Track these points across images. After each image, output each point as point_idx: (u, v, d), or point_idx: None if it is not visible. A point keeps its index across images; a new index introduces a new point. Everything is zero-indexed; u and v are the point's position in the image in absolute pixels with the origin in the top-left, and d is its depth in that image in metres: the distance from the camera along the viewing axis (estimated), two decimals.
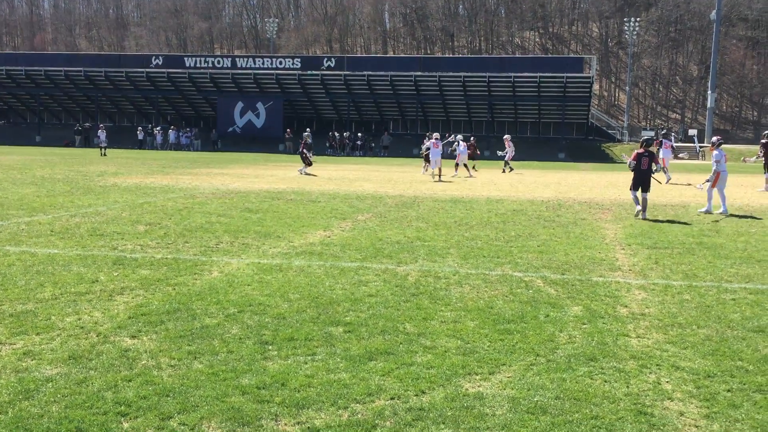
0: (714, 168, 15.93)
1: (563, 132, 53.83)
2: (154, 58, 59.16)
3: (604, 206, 16.74)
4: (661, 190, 19.99)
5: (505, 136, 33.42)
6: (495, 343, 5.80)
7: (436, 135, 27.59)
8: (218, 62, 57.68)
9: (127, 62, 59.16)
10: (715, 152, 16.25)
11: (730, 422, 4.30)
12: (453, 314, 6.67)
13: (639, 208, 14.72)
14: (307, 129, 30.00)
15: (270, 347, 5.58)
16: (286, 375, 4.95)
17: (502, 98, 53.70)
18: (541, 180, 26.17)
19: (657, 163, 15.51)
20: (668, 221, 14.05)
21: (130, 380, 4.81)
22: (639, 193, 14.74)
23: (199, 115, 61.51)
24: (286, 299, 7.11)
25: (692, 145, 55.80)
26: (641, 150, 15.05)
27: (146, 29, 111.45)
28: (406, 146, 54.33)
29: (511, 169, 31.77)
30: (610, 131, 61.20)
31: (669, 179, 25.18)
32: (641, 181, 14.69)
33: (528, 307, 6.99)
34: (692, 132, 58.26)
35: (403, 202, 16.89)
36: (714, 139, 17.11)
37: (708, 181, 16.02)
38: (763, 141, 23.72)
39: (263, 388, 4.70)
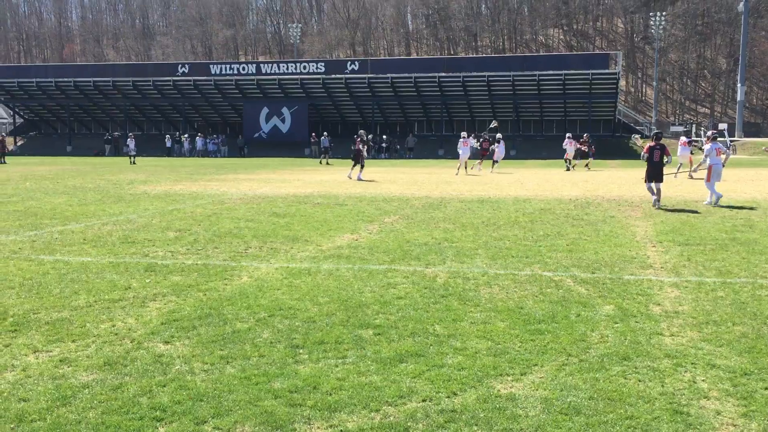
0: (707, 162, 16.80)
1: (590, 129, 53.28)
2: (180, 66, 59.89)
3: (634, 203, 16.55)
4: (693, 186, 19.70)
5: (498, 135, 33.38)
6: (526, 343, 5.77)
7: (463, 134, 29.89)
8: (243, 69, 58.21)
9: (153, 71, 59.94)
10: (707, 146, 17.13)
11: None
12: (483, 315, 6.65)
13: (654, 197, 15.69)
14: (361, 130, 28.46)
15: (301, 351, 5.61)
16: (317, 378, 4.98)
17: (528, 97, 53.43)
18: (569, 178, 25.96)
19: (668, 155, 16.31)
20: (701, 216, 13.85)
21: (164, 385, 4.86)
22: (653, 184, 15.73)
23: (226, 121, 62.10)
24: (316, 303, 7.14)
25: (723, 139, 54.90)
26: (653, 143, 16.06)
27: (172, 38, 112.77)
28: (431, 147, 54.34)
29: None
30: (637, 127, 60.48)
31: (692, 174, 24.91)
32: (654, 173, 15.73)
33: (558, 306, 6.93)
34: (722, 126, 57.36)
35: (430, 203, 16.86)
36: (709, 133, 17.88)
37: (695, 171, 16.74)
38: None
39: (295, 392, 4.73)
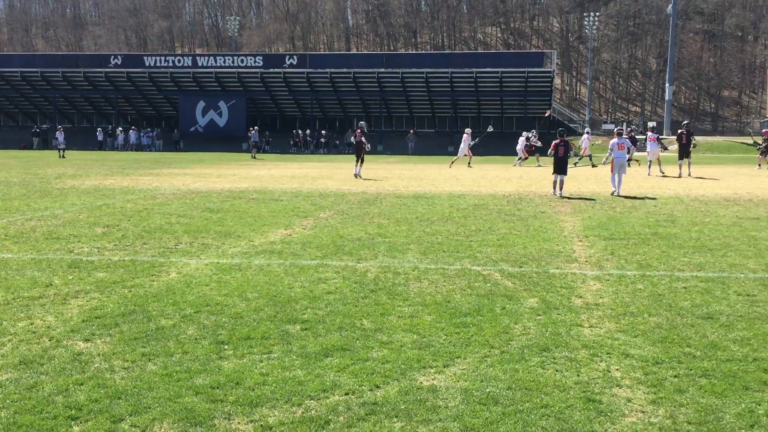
0: (608, 155, 18.99)
1: (526, 126, 54.29)
2: (112, 57, 58.30)
3: (564, 199, 16.96)
4: (634, 182, 20.22)
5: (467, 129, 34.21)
6: (451, 336, 5.87)
7: (468, 130, 33.10)
8: (179, 61, 57.03)
9: (84, 62, 58.14)
10: (612, 141, 19.06)
11: (675, 407, 4.41)
12: (410, 309, 6.72)
13: (554, 190, 17.88)
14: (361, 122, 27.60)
15: (226, 347, 5.56)
16: (241, 374, 4.95)
17: (465, 94, 54.05)
18: (504, 174, 26.41)
19: (572, 150, 18.90)
20: (626, 212, 14.30)
21: (81, 384, 4.76)
22: (558, 176, 17.84)
23: (161, 114, 60.76)
24: (244, 298, 7.09)
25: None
26: (558, 140, 18.26)
27: (105, 28, 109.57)
28: (370, 143, 54.36)
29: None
30: (571, 125, 61.91)
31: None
32: (559, 166, 17.94)
33: (485, 300, 7.07)
34: (651, 124, 59.25)
35: (366, 199, 16.91)
36: (616, 129, 20.66)
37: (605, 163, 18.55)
38: (680, 131, 25.49)
39: (217, 388, 4.69)
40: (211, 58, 57.95)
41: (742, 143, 54.91)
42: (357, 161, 24.51)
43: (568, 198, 17.24)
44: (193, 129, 56.37)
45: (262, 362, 5.21)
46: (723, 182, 22.10)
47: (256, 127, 45.54)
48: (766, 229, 11.81)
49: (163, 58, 57.44)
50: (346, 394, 4.63)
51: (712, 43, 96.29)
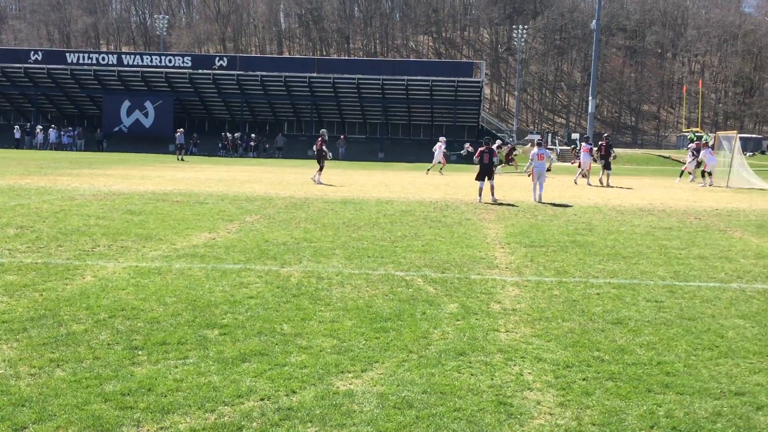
0: (528, 164, 20.05)
1: (455, 134, 55.11)
2: (32, 53, 56.11)
3: (489, 207, 17.29)
4: (556, 191, 20.83)
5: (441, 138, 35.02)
6: (370, 341, 5.90)
7: (442, 138, 34.03)
8: (103, 59, 55.40)
9: (3, 57, 55.75)
10: (532, 151, 20.12)
11: (581, 409, 4.56)
12: (332, 314, 6.72)
13: (479, 198, 18.41)
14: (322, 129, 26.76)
15: (140, 352, 5.44)
16: (153, 380, 4.85)
17: (396, 101, 54.44)
18: (432, 182, 26.72)
19: (496, 156, 19.65)
20: (547, 220, 14.69)
21: None
22: (485, 182, 18.49)
23: (83, 113, 58.81)
24: (162, 303, 6.94)
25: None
26: (483, 148, 18.92)
27: (26, 23, 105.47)
28: (301, 147, 54.09)
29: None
30: (499, 134, 63.19)
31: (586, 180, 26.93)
32: (485, 172, 18.58)
33: (406, 305, 7.14)
34: (575, 136, 61.17)
35: (294, 203, 16.82)
36: (535, 139, 22.39)
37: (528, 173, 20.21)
38: (600, 143, 27.15)
39: (128, 395, 4.58)
40: (138, 56, 56.54)
41: (660, 156, 57.28)
42: (319, 169, 24.18)
43: (500, 204, 17.91)
44: (117, 129, 54.80)
45: (177, 368, 5.12)
46: (639, 193, 22.99)
47: (182, 129, 44.68)
48: (677, 239, 12.35)
49: (86, 56, 55.66)
50: (262, 399, 4.60)
51: (633, 59, 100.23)
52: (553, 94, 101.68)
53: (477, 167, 19.10)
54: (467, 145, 36.87)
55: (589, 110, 55.44)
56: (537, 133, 68.23)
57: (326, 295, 7.47)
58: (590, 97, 55.62)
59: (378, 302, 7.23)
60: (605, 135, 29.60)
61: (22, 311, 6.45)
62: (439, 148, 32.44)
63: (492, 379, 5.06)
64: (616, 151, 30.92)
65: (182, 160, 40.23)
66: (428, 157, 50.22)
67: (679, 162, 43.79)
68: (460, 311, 6.95)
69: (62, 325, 6.06)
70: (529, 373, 5.21)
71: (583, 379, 5.09)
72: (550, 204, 18.26)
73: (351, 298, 7.36)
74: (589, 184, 26.55)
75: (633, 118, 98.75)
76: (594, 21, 55.53)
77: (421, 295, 7.58)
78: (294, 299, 7.26)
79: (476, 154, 18.98)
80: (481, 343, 5.91)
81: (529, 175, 21.40)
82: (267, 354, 5.48)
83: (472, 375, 5.13)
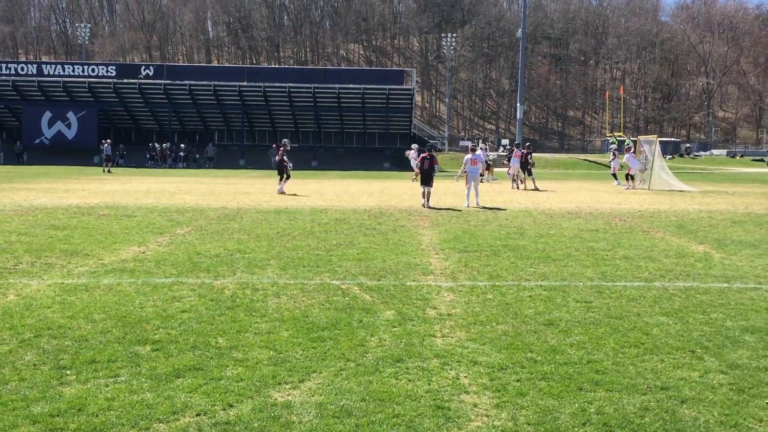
0: (462, 169, 20.45)
1: (388, 142, 55.52)
2: None
3: (423, 213, 17.47)
4: (488, 196, 21.22)
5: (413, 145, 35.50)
6: (307, 351, 5.88)
7: (414, 146, 33.96)
8: (22, 69, 53.47)
9: None
10: (466, 156, 20.57)
11: (517, 409, 4.66)
12: (268, 325, 6.66)
13: (424, 200, 19.01)
14: (284, 139, 25.84)
15: (68, 372, 5.26)
16: (84, 400, 4.70)
17: (328, 109, 54.45)
18: (366, 189, 26.81)
19: (437, 164, 20.32)
20: (480, 225, 14.94)
21: None
22: (426, 188, 19.07)
23: (2, 125, 56.56)
24: (90, 320, 6.74)
25: (504, 153, 59.71)
26: (425, 154, 19.66)
27: None
28: (232, 157, 53.47)
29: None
30: (431, 141, 63.92)
31: (516, 186, 28.05)
32: (426, 178, 19.21)
33: (343, 314, 7.13)
34: (504, 141, 62.44)
35: (226, 214, 16.59)
36: (470, 145, 23.20)
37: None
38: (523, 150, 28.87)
39: (57, 416, 4.43)
40: (59, 66, 54.81)
41: (585, 160, 59.03)
42: (280, 179, 23.89)
43: (436, 209, 18.46)
44: (38, 141, 52.93)
45: (108, 386, 4.98)
46: (567, 196, 23.64)
47: (108, 140, 43.50)
48: (603, 240, 12.75)
49: (4, 66, 53.61)
50: (198, 414, 4.52)
51: (558, 67, 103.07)
52: (483, 101, 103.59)
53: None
54: (410, 152, 36.78)
55: (518, 116, 56.73)
56: (468, 139, 69.30)
57: (262, 307, 7.40)
58: (518, 104, 56.92)
59: (314, 312, 7.20)
60: (527, 143, 31.39)
61: None
62: (412, 156, 32.86)
63: (429, 384, 5.11)
64: (535, 156, 33.47)
65: (109, 172, 39.18)
66: (361, 165, 50.45)
67: (605, 166, 45.24)
68: (396, 318, 6.99)
69: None
70: (465, 376, 5.29)
71: (518, 380, 5.20)
72: (483, 208, 18.69)
73: (287, 309, 7.31)
74: (516, 188, 27.42)
75: (560, 124, 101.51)
76: (520, 30, 56.88)
77: (357, 303, 7.59)
78: (229, 312, 7.16)
79: (418, 160, 19.92)
80: (418, 348, 5.97)
81: (457, 180, 22.39)
82: (202, 368, 5.39)
83: (409, 381, 5.17)
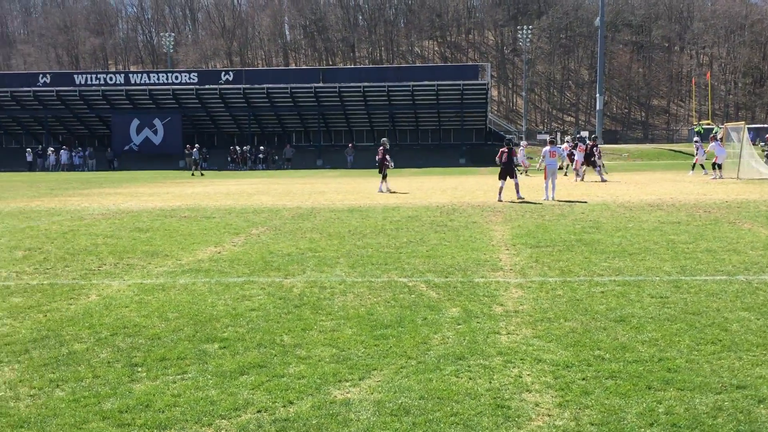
0: (540, 162, 20.55)
1: (463, 138, 55.11)
2: (41, 76, 56.69)
3: (496, 208, 17.24)
4: (565, 189, 20.77)
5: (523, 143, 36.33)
6: (369, 348, 5.88)
7: (524, 143, 36.05)
8: (110, 79, 55.86)
9: (11, 81, 56.40)
10: (544, 149, 20.44)
11: (580, 409, 4.52)
12: (332, 323, 6.72)
13: (499, 197, 18.98)
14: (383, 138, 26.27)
15: (139, 369, 5.45)
16: (151, 396, 4.86)
17: (402, 107, 54.48)
18: (440, 185, 26.69)
19: (516, 156, 20.28)
20: (554, 220, 14.62)
21: None
22: (507, 181, 19.10)
23: (93, 133, 59.35)
24: (164, 319, 6.97)
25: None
26: (504, 149, 19.29)
27: (34, 47, 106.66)
28: (309, 158, 54.28)
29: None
30: (508, 135, 63.06)
31: (579, 179, 27.27)
32: (507, 172, 19.11)
33: (407, 311, 7.11)
34: (584, 134, 60.91)
35: (300, 214, 16.85)
36: (547, 138, 23.67)
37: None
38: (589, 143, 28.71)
39: (126, 412, 4.60)
40: (145, 75, 56.99)
41: (671, 150, 56.91)
42: (383, 178, 24.10)
43: (525, 202, 18.54)
44: (127, 147, 55.24)
45: (176, 383, 5.13)
46: (648, 188, 22.84)
47: (197, 145, 44.89)
48: (685, 233, 12.24)
49: (94, 76, 56.17)
50: (259, 411, 4.59)
51: (640, 54, 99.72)
52: (561, 93, 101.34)
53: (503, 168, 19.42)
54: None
55: (597, 107, 55.26)
56: (546, 132, 67.99)
57: (328, 305, 7.46)
58: (597, 95, 55.44)
59: (379, 309, 7.21)
60: (593, 136, 31.15)
61: (25, 333, 6.50)
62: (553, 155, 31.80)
63: (490, 382, 5.03)
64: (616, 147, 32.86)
65: (202, 174, 40.46)
66: (436, 161, 50.26)
67: (691, 155, 43.44)
68: (461, 315, 6.92)
69: (64, 345, 6.09)
70: (528, 374, 5.17)
71: (583, 379, 5.05)
72: (560, 201, 18.41)
73: (352, 307, 7.35)
74: (581, 181, 27.24)
75: (643, 114, 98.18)
76: (598, 18, 55.37)
77: (423, 301, 7.56)
78: (296, 310, 7.26)
79: (498, 155, 19.35)
80: (481, 346, 5.88)
81: (523, 173, 22.37)
82: (265, 366, 5.48)
83: (470, 379, 5.10)
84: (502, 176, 19.19)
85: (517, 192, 19.22)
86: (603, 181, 26.61)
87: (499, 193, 19.12)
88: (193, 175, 40.37)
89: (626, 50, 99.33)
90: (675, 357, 5.50)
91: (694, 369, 5.21)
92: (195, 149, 43.10)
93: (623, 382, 4.98)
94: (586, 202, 18.17)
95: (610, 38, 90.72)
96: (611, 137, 72.75)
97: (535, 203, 18.34)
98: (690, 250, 10.42)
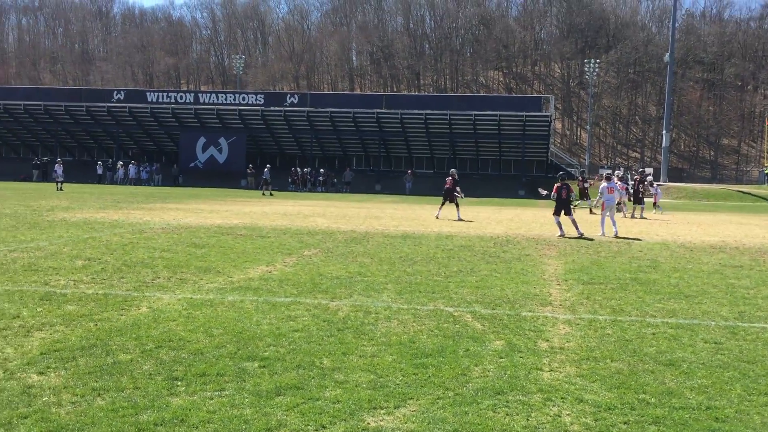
0: (598, 198, 20.14)
1: (523, 169, 54.63)
2: (115, 92, 58.96)
3: (551, 242, 16.97)
4: (624, 227, 20.28)
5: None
6: (408, 377, 5.83)
7: (611, 172, 32.76)
8: (181, 97, 57.64)
9: (88, 96, 58.79)
10: (602, 185, 20.46)
11: None
12: (373, 348, 6.69)
13: (560, 233, 18.49)
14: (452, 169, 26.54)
15: (179, 383, 5.53)
16: (187, 411, 4.91)
17: (464, 135, 54.44)
18: (496, 216, 26.46)
19: (572, 192, 19.67)
20: (610, 257, 14.29)
21: (25, 417, 4.72)
22: (562, 217, 18.82)
23: (161, 149, 61.22)
24: (209, 334, 7.06)
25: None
26: (560, 184, 19.11)
27: (112, 64, 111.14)
28: (368, 182, 54.63)
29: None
30: (569, 168, 62.23)
31: (624, 214, 26.95)
32: (563, 207, 18.83)
33: (450, 341, 7.03)
34: (648, 171, 59.63)
35: (354, 237, 16.93)
36: (605, 173, 24.27)
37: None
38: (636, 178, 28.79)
39: (161, 425, 4.66)
40: (213, 95, 58.61)
41: (739, 191, 55.11)
42: (441, 205, 24.90)
43: (585, 238, 18.05)
44: (192, 164, 56.72)
45: (212, 399, 5.18)
46: (712, 229, 22.12)
47: (268, 165, 45.65)
48: (747, 277, 11.79)
49: (165, 94, 58.07)
50: None
51: (711, 92, 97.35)
52: (627, 128, 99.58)
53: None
54: (541, 189, 34.27)
55: (663, 144, 54.07)
56: (608, 167, 66.80)
57: (371, 330, 7.44)
58: (663, 131, 54.28)
59: (422, 338, 7.15)
60: (641, 170, 30.95)
61: (74, 340, 6.68)
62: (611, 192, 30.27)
63: (527, 419, 4.91)
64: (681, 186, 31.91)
65: (271, 194, 41.10)
66: (495, 192, 49.89)
67: (761, 198, 42.00)
68: (504, 348, 6.79)
69: (109, 355, 6.23)
70: (568, 414, 5.03)
71: (625, 423, 4.88)
72: (618, 238, 18.02)
73: (395, 333, 7.31)
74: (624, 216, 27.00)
75: (712, 153, 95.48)
76: (668, 54, 54.40)
77: (467, 332, 7.46)
78: (338, 333, 7.26)
79: (553, 190, 19.08)
80: (522, 382, 5.75)
81: (591, 210, 22.05)
82: (302, 388, 5.48)
83: (507, 415, 4.99)
84: (557, 212, 18.94)
85: (577, 228, 18.61)
86: (641, 217, 26.78)
87: (560, 228, 18.75)
88: (263, 195, 41.00)
89: (696, 87, 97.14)
90: (724, 406, 5.26)
91: (743, 420, 4.98)
92: (267, 169, 43.85)
93: (667, 429, 4.79)
94: (641, 241, 17.78)
95: (680, 75, 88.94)
96: (677, 176, 70.98)
97: (591, 239, 17.97)
98: (750, 296, 10.02)
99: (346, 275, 11.11)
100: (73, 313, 7.87)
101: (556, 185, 19.23)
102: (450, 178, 25.00)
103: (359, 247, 14.89)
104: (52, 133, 59.82)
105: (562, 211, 18.83)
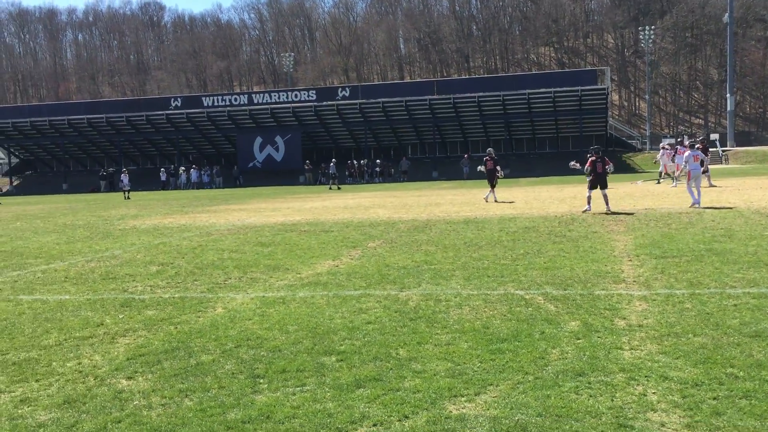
0: (686, 167, 19.09)
1: (582, 145, 53.52)
2: (173, 100, 60.40)
3: (618, 217, 16.61)
4: (678, 198, 19.84)
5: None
6: (485, 363, 5.81)
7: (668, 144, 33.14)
8: (235, 99, 58.66)
9: (147, 106, 60.42)
10: (686, 153, 19.44)
11: (711, 430, 4.26)
12: (448, 337, 6.69)
13: (587, 207, 18.12)
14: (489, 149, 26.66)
15: (261, 381, 5.65)
16: (272, 407, 5.02)
17: (518, 115, 53.74)
18: (558, 195, 26.06)
19: (609, 164, 18.79)
20: (682, 228, 13.90)
21: (119, 421, 4.91)
22: (598, 191, 18.06)
23: (220, 152, 62.45)
24: (285, 331, 7.19)
25: (714, 149, 55.09)
26: (593, 157, 18.33)
27: (167, 72, 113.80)
28: (425, 170, 54.53)
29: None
30: (630, 141, 60.74)
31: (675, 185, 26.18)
32: (598, 181, 18.14)
33: (524, 325, 6.97)
34: (714, 136, 57.65)
35: (416, 226, 16.93)
36: (687, 141, 22.26)
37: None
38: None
39: (248, 422, 4.77)
40: (266, 94, 59.43)
41: None
42: (491, 188, 24.46)
43: (615, 214, 17.43)
44: (251, 165, 57.69)
45: (295, 395, 5.27)
46: None
47: (334, 160, 46.34)
48: None
49: (220, 98, 59.19)
50: (374, 425, 4.64)
51: None
52: (688, 95, 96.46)
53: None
54: (573, 162, 33.51)
55: (728, 108, 52.19)
56: (671, 136, 64.87)
57: (443, 318, 7.44)
58: (728, 95, 52.37)
59: (495, 323, 7.11)
60: (701, 138, 30.04)
61: (158, 344, 6.90)
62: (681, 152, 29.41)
63: (612, 400, 4.83)
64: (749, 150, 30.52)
65: (339, 188, 41.74)
66: (554, 170, 49.08)
67: None
68: (581, 329, 6.70)
69: (192, 356, 6.41)
70: (654, 393, 4.93)
71: (714, 398, 4.75)
72: (702, 207, 17.69)
73: (468, 320, 7.29)
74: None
75: None
76: (727, 14, 52.38)
77: (540, 314, 7.39)
78: (411, 323, 7.29)
79: (587, 164, 18.40)
80: (602, 362, 5.66)
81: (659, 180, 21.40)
82: (381, 379, 5.53)
83: (590, 396, 4.92)
84: (593, 186, 18.23)
85: (607, 204, 17.96)
86: (710, 185, 25.03)
87: (588, 203, 18.23)
88: (330, 188, 41.68)
89: (759, 46, 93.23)
90: None
91: None
92: (332, 164, 44.53)
93: (759, 402, 4.64)
94: (713, 209, 17.15)
95: (740, 35, 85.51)
96: (745, 139, 68.34)
97: (626, 213, 17.47)
98: None
99: (413, 264, 11.13)
100: (153, 317, 8.12)
101: (590, 159, 18.48)
102: (487, 158, 24.60)
103: (423, 236, 14.88)
104: (115, 144, 61.74)
105: (598, 186, 18.14)
